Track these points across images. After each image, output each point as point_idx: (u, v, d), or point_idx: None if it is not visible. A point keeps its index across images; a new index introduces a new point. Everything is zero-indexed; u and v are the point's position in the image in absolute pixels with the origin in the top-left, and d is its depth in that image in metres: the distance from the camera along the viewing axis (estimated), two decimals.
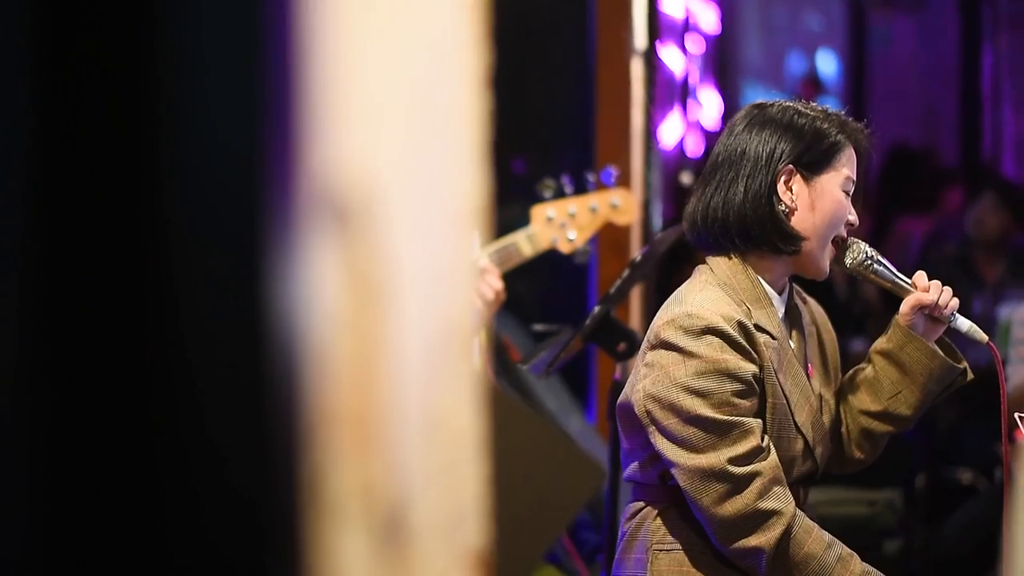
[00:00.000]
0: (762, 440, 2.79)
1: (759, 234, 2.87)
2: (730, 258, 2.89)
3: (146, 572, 1.02)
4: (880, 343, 3.03)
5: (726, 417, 2.74)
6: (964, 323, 2.98)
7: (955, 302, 2.97)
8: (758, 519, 2.76)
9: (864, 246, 2.96)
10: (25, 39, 1.00)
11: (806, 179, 2.89)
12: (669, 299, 2.90)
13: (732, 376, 2.75)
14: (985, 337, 2.97)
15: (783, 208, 2.87)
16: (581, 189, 4.10)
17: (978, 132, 10.90)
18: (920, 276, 2.98)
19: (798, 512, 2.80)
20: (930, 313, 2.96)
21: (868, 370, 3.04)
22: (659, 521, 2.89)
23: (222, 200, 1.01)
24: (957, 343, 3.05)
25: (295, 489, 1.01)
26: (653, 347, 2.82)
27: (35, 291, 1.00)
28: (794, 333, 2.98)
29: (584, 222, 4.00)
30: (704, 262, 2.93)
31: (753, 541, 2.77)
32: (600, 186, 4.14)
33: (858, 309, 7.23)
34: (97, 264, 1.00)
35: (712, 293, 2.83)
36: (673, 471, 2.80)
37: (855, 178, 2.93)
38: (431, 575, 1.16)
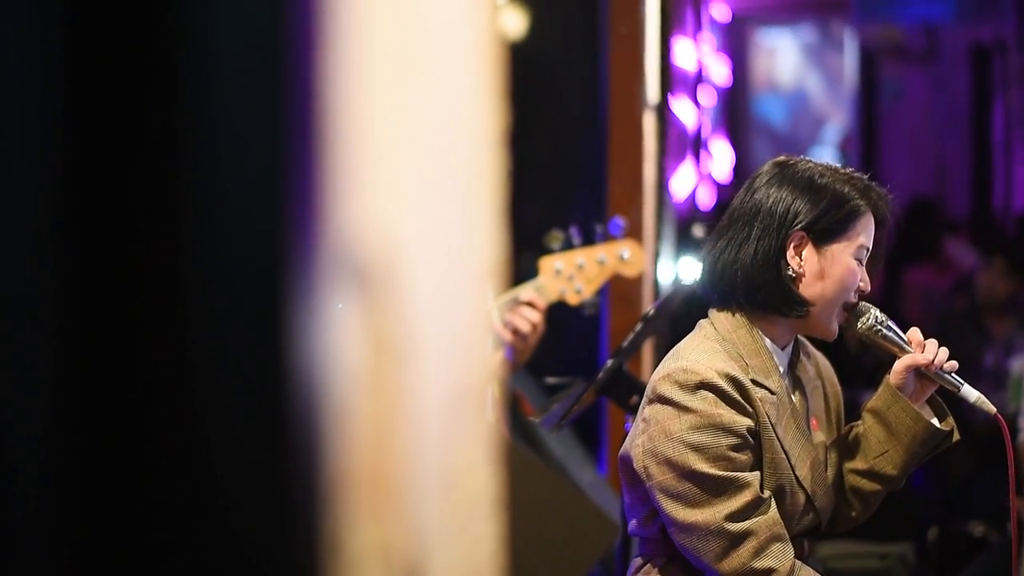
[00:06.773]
0: (761, 492, 2.79)
1: (764, 296, 2.85)
2: (733, 314, 2.88)
3: None
4: (870, 401, 3.00)
5: (722, 472, 2.74)
6: (972, 393, 2.90)
7: (952, 363, 2.90)
8: None
9: (875, 311, 2.90)
10: (55, 63, 1.01)
11: (817, 246, 2.85)
12: (668, 354, 2.90)
13: (727, 430, 2.75)
14: (993, 409, 2.91)
15: (791, 273, 2.84)
16: (589, 240, 4.08)
17: (989, 184, 10.92)
18: (914, 332, 2.92)
19: (796, 565, 2.79)
20: (925, 373, 2.91)
21: (859, 427, 3.01)
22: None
23: (244, 263, 1.02)
24: (967, 406, 3.00)
25: (315, 549, 1.02)
26: (650, 401, 2.82)
27: (60, 355, 1.01)
28: (797, 388, 2.96)
29: (592, 274, 3.99)
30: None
31: None
32: (608, 237, 4.12)
33: (869, 362, 7.22)
34: (117, 328, 1.01)
35: (708, 348, 2.83)
36: (669, 528, 2.80)
37: (870, 246, 2.88)
38: None
